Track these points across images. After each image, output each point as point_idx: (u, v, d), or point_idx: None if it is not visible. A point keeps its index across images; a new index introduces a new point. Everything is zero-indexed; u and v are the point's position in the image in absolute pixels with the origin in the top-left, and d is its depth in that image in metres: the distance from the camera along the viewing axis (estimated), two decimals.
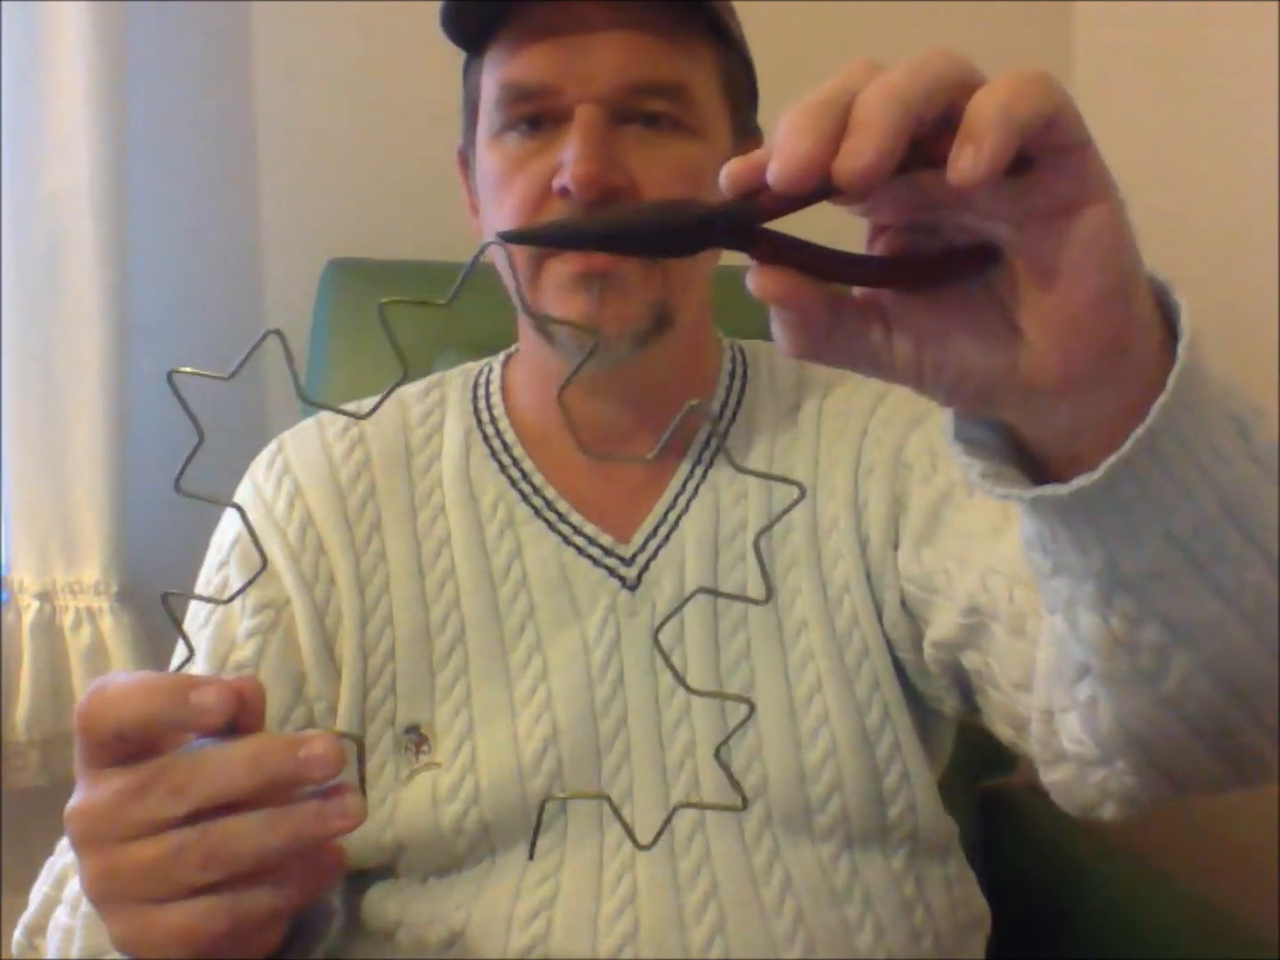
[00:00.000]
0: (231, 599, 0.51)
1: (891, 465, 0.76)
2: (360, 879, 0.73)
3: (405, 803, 0.70)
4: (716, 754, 0.46)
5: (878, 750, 0.72)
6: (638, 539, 0.76)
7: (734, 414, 0.80)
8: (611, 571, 0.74)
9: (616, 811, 0.48)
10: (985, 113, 0.36)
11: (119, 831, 0.44)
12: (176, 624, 0.48)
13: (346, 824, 0.45)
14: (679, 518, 0.76)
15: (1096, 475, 0.42)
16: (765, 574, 0.46)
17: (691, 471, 0.78)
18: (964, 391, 0.42)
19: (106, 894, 0.45)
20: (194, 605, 0.75)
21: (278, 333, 0.43)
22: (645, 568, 0.75)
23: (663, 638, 0.73)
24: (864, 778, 0.71)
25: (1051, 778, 0.62)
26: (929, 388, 0.42)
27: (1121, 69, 1.37)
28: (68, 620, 1.13)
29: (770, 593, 0.47)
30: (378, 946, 0.72)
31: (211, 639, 0.72)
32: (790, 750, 0.71)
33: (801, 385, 0.82)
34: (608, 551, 0.75)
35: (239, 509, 0.46)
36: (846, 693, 0.73)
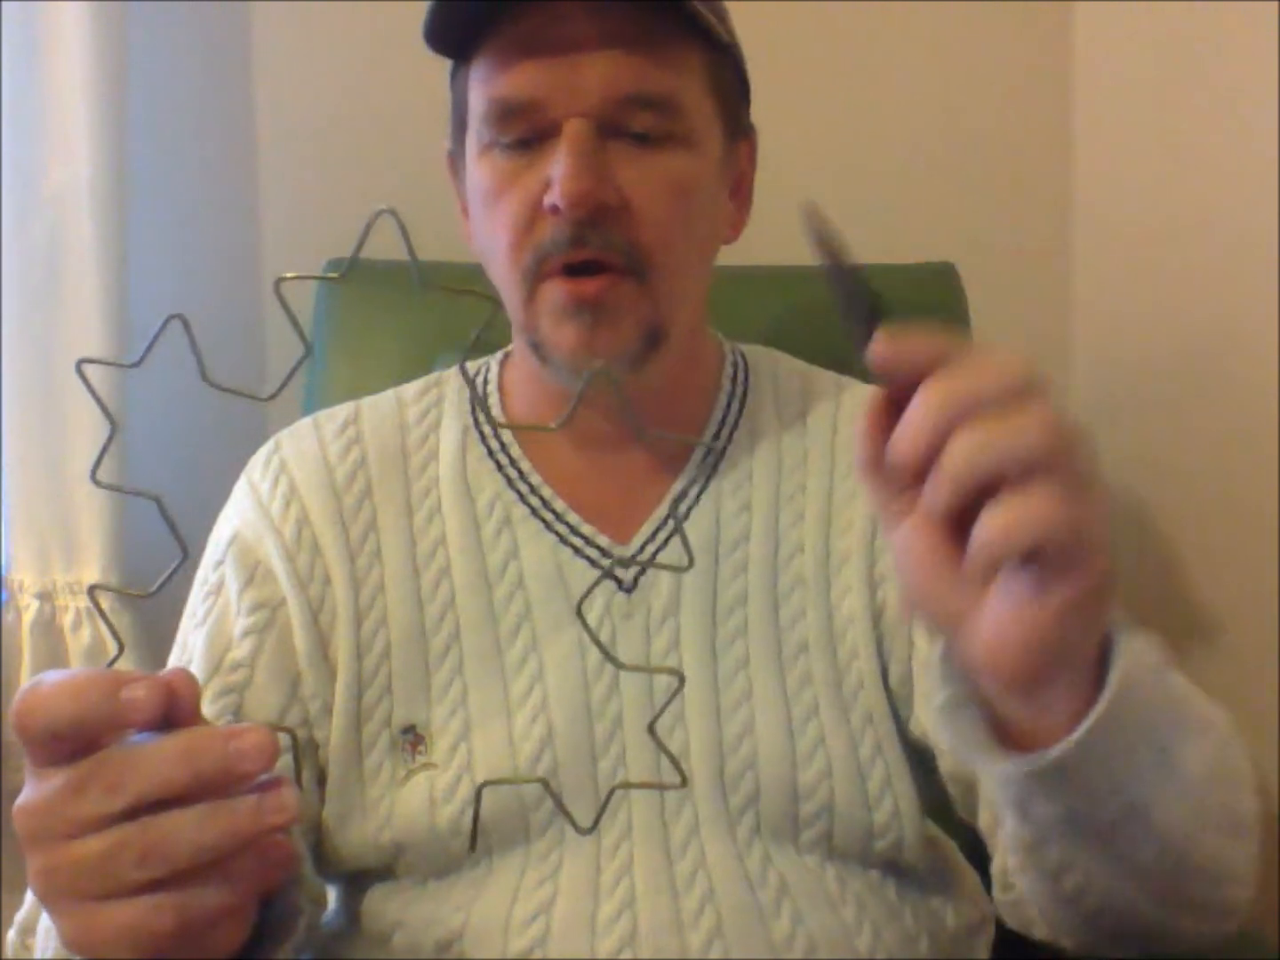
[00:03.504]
0: (154, 592, 0.52)
1: None
2: (360, 881, 0.74)
3: (403, 803, 0.70)
4: (650, 729, 0.47)
5: (869, 783, 0.72)
6: (636, 541, 0.75)
7: (736, 423, 0.80)
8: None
9: (555, 797, 0.50)
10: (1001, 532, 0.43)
11: (60, 829, 0.44)
12: (104, 617, 0.48)
13: (282, 819, 0.44)
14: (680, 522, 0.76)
15: (1009, 770, 0.50)
16: (685, 542, 0.49)
17: (694, 477, 0.77)
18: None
19: (52, 891, 0.45)
20: (191, 605, 0.75)
21: (180, 318, 0.43)
22: (642, 570, 0.74)
23: (656, 648, 0.73)
24: (855, 807, 0.71)
25: (1000, 897, 0.69)
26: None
27: (1121, 69, 1.37)
28: (68, 620, 1.13)
29: (691, 560, 0.51)
30: (376, 948, 0.72)
31: (207, 638, 0.72)
32: (786, 766, 0.71)
33: (807, 394, 0.82)
34: (605, 552, 0.75)
35: (156, 499, 0.45)
36: (842, 720, 0.72)
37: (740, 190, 0.80)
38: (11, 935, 0.64)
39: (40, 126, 1.11)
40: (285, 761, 0.58)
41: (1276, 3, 1.12)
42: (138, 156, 1.16)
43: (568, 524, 0.76)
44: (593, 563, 0.74)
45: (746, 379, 0.82)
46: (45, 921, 0.60)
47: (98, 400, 0.44)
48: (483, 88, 0.71)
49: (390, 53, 1.27)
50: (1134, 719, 0.49)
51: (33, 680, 0.45)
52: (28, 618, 1.13)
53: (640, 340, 0.70)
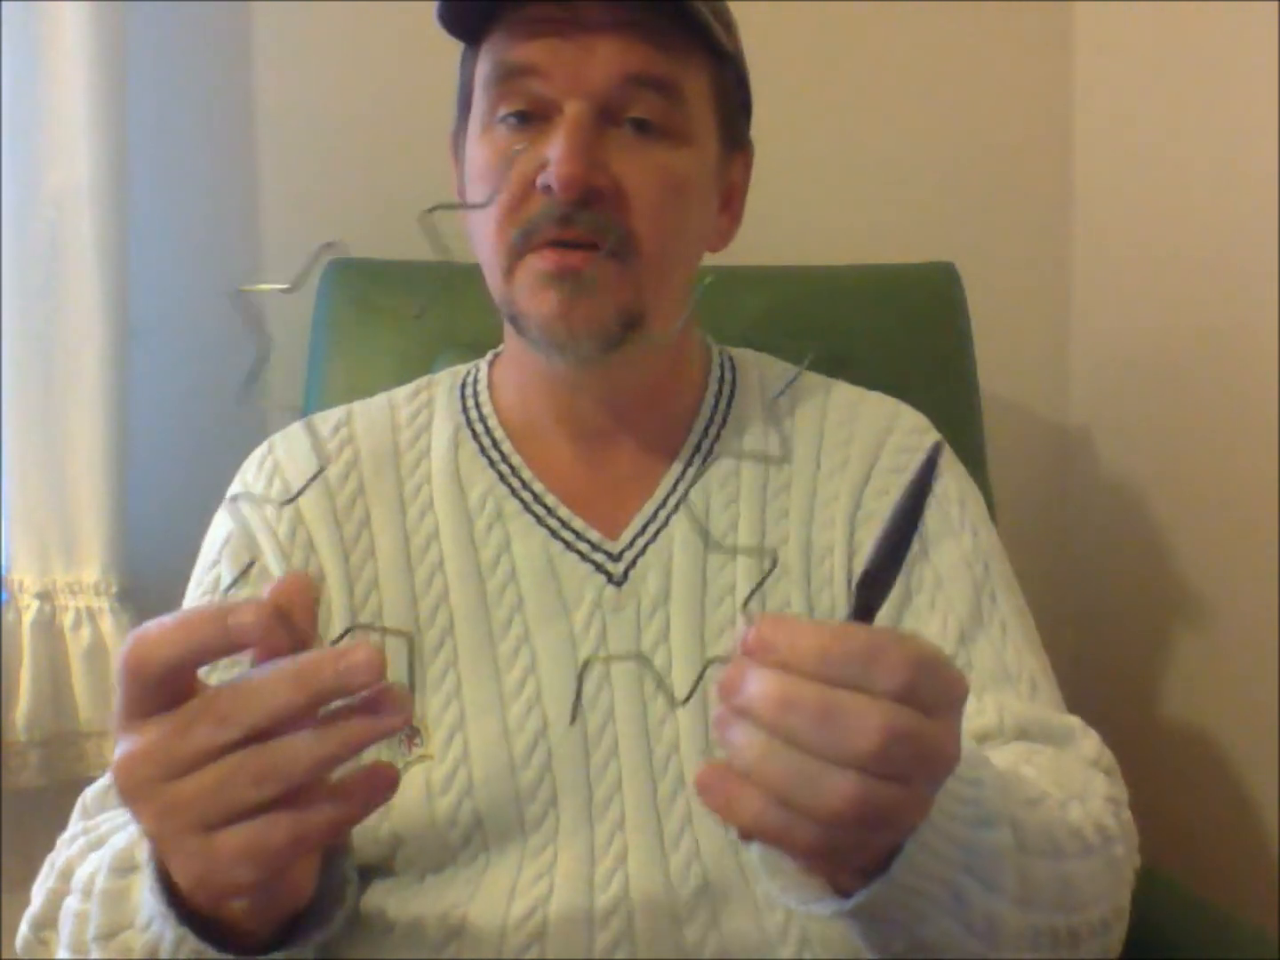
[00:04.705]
0: (291, 500, 0.53)
1: None
2: (359, 877, 0.74)
3: (400, 795, 0.70)
4: (744, 606, 0.48)
5: None
6: (626, 535, 0.76)
7: (723, 420, 0.81)
8: (598, 566, 0.75)
9: (654, 671, 0.50)
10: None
11: (169, 770, 0.45)
12: (243, 525, 0.48)
13: (398, 720, 0.46)
14: (669, 516, 0.77)
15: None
16: (781, 434, 0.48)
17: (683, 473, 0.79)
18: None
19: (168, 832, 0.46)
20: (188, 600, 0.76)
21: (334, 244, 0.44)
22: (632, 564, 0.75)
23: (646, 640, 0.74)
24: None
25: None
26: None
27: (1121, 69, 1.37)
28: (68, 620, 1.13)
29: (787, 454, 0.51)
30: (375, 945, 0.72)
31: None
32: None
33: (795, 396, 0.83)
34: (595, 546, 0.76)
35: (298, 410, 0.46)
36: None
37: (731, 203, 0.81)
38: (24, 930, 0.63)
39: (40, 126, 1.11)
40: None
41: (1276, 3, 1.12)
42: (138, 157, 1.16)
43: (559, 518, 0.77)
44: (583, 556, 0.76)
45: (734, 379, 0.84)
46: (70, 910, 0.60)
47: (254, 324, 0.46)
48: (490, 56, 0.72)
49: (391, 52, 1.27)
50: (919, 883, 0.51)
51: (139, 628, 0.46)
52: (28, 618, 1.12)
53: (617, 322, 0.71)
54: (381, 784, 0.47)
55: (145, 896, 0.53)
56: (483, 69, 0.73)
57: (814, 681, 0.44)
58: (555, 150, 0.68)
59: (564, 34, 0.69)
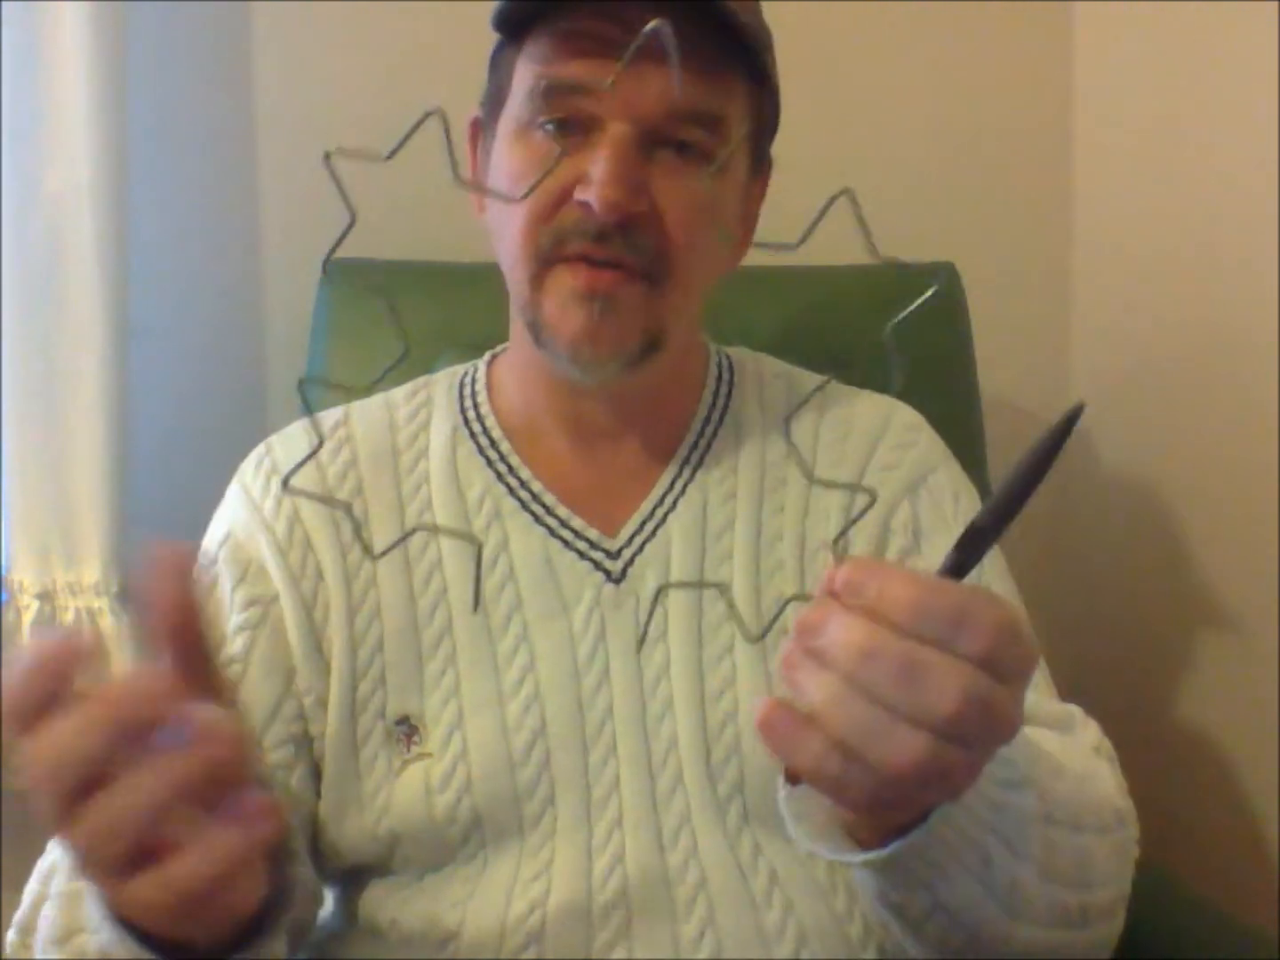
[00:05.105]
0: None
1: (881, 523, 0.78)
2: (356, 878, 0.74)
3: (399, 793, 0.71)
4: (835, 544, 0.48)
5: None
6: (624, 533, 0.77)
7: (720, 419, 0.81)
8: (597, 565, 0.75)
9: (731, 601, 0.49)
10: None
11: (56, 826, 0.44)
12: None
13: (219, 749, 0.44)
14: (666, 514, 0.77)
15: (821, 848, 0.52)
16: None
17: (680, 471, 0.79)
18: None
19: (93, 880, 0.47)
20: None
21: (439, 112, 0.45)
22: (630, 561, 0.76)
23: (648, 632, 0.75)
24: None
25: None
26: None
27: (1121, 69, 1.37)
28: (68, 620, 1.13)
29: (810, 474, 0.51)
30: (374, 946, 0.72)
31: None
32: (767, 752, 0.71)
33: (792, 396, 0.84)
34: (594, 545, 0.76)
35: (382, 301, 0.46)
36: None
37: (747, 220, 0.81)
38: (11, 935, 0.63)
39: (40, 126, 1.11)
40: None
41: (1277, 2, 1.12)
42: (138, 157, 1.16)
43: (558, 517, 0.77)
44: (581, 554, 0.76)
45: (731, 378, 0.84)
46: (46, 913, 0.60)
47: (341, 191, 0.46)
48: (536, 66, 0.71)
49: (391, 53, 1.27)
50: (950, 839, 0.51)
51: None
52: (28, 618, 1.13)
53: (639, 345, 0.72)
54: (254, 814, 0.45)
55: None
56: (526, 78, 0.71)
57: (900, 634, 0.43)
58: (598, 170, 0.67)
59: (613, 55, 0.67)
